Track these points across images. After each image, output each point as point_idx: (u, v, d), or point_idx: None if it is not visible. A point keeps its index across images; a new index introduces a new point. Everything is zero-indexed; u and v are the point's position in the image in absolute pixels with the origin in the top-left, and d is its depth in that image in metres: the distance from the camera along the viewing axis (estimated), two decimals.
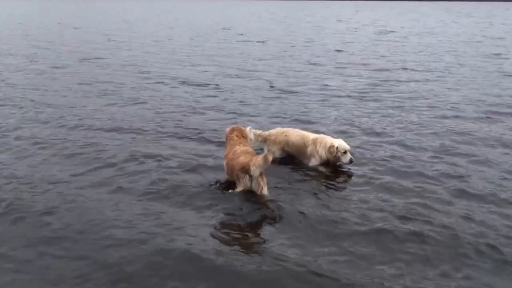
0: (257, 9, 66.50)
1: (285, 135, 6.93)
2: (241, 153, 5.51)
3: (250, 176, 5.24)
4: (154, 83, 12.80)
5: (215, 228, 4.74)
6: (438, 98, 10.94)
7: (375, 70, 15.23)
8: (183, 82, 12.82)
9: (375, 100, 10.72)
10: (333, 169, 6.46)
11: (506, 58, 17.98)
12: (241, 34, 28.32)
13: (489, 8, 77.28)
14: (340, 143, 6.48)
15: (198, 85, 12.47)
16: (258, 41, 24.31)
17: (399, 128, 8.43)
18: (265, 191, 5.31)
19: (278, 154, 6.87)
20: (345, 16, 53.80)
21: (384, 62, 17.14)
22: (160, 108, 9.85)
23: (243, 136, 6.01)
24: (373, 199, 5.46)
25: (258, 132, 7.05)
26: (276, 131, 7.08)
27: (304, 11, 66.92)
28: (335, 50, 20.70)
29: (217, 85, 12.42)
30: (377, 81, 13.13)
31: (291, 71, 14.92)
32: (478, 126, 8.57)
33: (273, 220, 4.87)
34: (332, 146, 6.42)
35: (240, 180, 5.34)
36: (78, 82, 12.77)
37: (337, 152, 6.39)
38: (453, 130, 8.25)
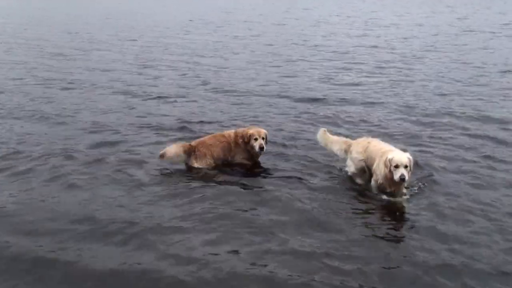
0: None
1: (368, 142, 5.96)
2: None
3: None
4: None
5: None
6: None
7: None
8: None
9: None
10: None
11: None
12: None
13: None
14: (395, 155, 5.26)
15: None
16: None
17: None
18: (195, 165, 6.50)
19: (357, 166, 5.91)
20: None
21: None
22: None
23: (236, 136, 6.67)
24: None
25: (344, 139, 6.34)
26: (362, 139, 6.16)
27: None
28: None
29: None
30: None
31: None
32: None
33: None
34: (386, 159, 5.29)
35: None
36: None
37: (390, 166, 5.23)
38: None
